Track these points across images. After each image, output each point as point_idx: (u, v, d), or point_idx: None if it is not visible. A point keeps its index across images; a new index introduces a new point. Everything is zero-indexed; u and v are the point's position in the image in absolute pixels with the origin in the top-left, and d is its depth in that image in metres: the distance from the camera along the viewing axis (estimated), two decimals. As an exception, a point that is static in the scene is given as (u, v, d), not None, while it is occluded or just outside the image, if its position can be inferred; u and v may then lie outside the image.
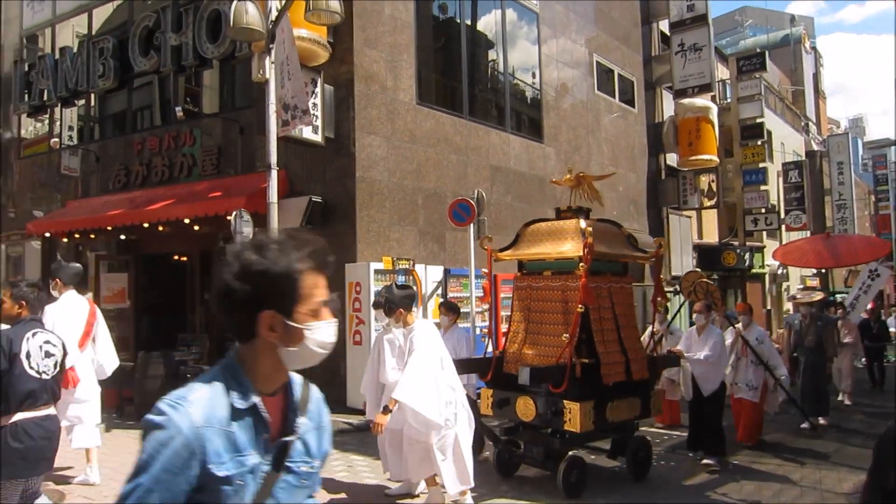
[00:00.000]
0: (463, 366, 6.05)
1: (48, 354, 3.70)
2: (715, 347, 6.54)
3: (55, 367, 3.74)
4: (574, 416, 5.46)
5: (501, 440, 6.10)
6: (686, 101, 16.12)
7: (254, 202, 8.94)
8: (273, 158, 8.25)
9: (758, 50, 25.13)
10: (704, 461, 6.60)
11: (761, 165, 19.20)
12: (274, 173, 8.26)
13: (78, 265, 6.57)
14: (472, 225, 9.18)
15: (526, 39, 13.21)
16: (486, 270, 6.49)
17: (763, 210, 18.83)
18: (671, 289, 15.42)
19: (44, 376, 3.64)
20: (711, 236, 20.54)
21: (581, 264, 5.51)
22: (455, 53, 11.68)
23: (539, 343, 5.92)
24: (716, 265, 18.71)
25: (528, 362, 5.76)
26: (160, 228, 10.43)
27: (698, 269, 8.62)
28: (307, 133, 9.02)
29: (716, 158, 16.35)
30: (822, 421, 8.59)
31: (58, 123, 13.66)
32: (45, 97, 12.59)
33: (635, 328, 6.21)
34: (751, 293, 19.94)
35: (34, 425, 3.56)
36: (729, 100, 20.91)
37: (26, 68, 13.03)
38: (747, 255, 18.80)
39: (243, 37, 8.41)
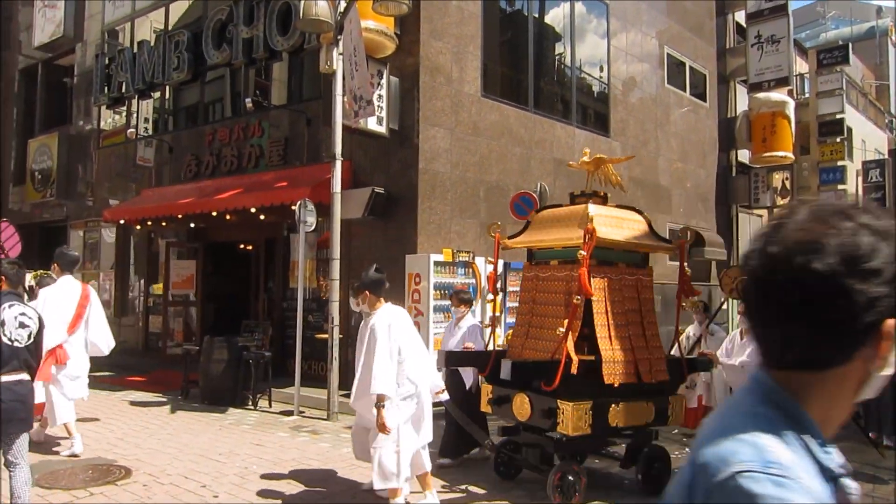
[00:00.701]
0: (459, 359, 5.91)
1: (22, 325, 4.05)
2: (754, 354, 5.97)
3: (29, 338, 4.08)
4: (567, 417, 5.02)
5: (489, 441, 5.77)
6: (761, 95, 15.47)
7: (318, 192, 9.06)
8: (338, 149, 8.35)
9: (840, 42, 23.93)
10: None
11: (840, 164, 18.28)
12: (338, 164, 8.36)
13: (76, 254, 7.24)
14: (534, 219, 9.05)
15: (595, 33, 12.93)
16: (491, 259, 6.10)
17: (841, 211, 17.89)
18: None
19: (16, 344, 3.99)
20: (784, 237, 19.68)
21: (580, 251, 5.10)
22: (521, 46, 11.53)
23: (542, 337, 5.54)
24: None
25: (528, 357, 5.47)
26: (227, 217, 10.70)
27: (739, 266, 7.86)
28: (372, 124, 9.08)
29: (791, 155, 15.64)
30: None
31: (135, 115, 14.20)
32: (124, 89, 13.09)
33: (653, 325, 5.66)
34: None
35: (4, 388, 3.89)
36: (807, 95, 19.98)
37: (107, 62, 13.58)
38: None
39: (312, 28, 8.54)
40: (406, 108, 9.54)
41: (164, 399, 8.88)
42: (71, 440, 6.36)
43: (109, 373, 11.49)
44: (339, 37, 8.25)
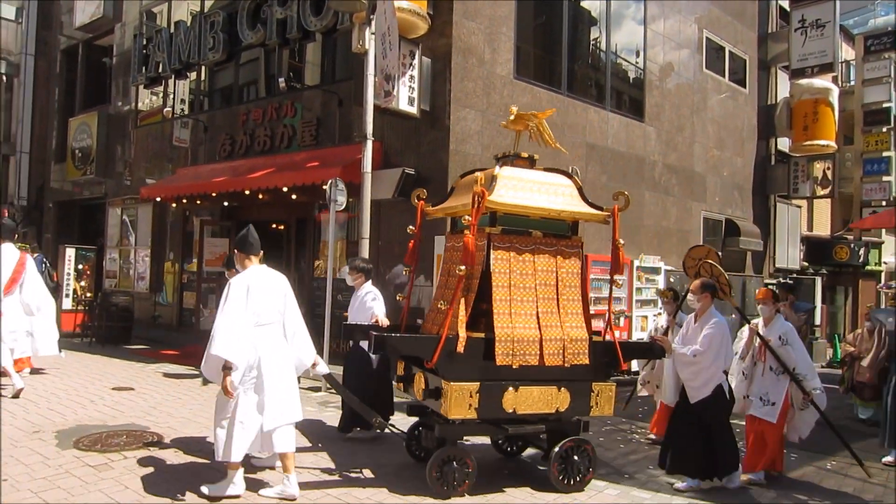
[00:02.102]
0: (360, 332, 5.60)
1: None
2: (707, 341, 5.08)
3: None
4: (448, 399, 4.59)
5: (378, 420, 5.26)
6: (804, 81, 15.04)
7: (349, 172, 9.09)
8: (369, 129, 8.36)
9: (889, 29, 23.10)
10: (677, 486, 5.22)
11: (885, 154, 17.60)
12: (369, 143, 8.37)
13: (12, 223, 8.01)
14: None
15: (633, 18, 12.70)
16: (412, 228, 5.57)
17: (884, 203, 17.31)
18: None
19: None
20: (823, 228, 19.22)
21: (465, 217, 4.67)
22: (556, 28, 11.37)
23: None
24: (826, 259, 17.51)
25: (431, 332, 5.01)
26: (260, 196, 10.82)
27: (705, 245, 7.09)
28: (403, 105, 9.07)
29: (833, 144, 15.21)
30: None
31: (171, 96, 14.42)
32: (160, 69, 13.30)
33: (575, 302, 5.03)
34: (863, 292, 18.52)
35: None
36: (853, 82, 19.36)
37: (144, 42, 13.79)
38: (862, 251, 17.46)
39: (345, 7, 8.55)
40: (437, 89, 9.50)
41: (196, 372, 9.02)
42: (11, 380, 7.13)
43: (144, 346, 11.79)
44: (371, 16, 8.23)
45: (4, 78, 19.47)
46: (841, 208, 18.87)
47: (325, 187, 8.97)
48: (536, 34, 11.47)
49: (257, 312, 4.54)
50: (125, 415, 6.62)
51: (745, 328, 5.86)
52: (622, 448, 6.58)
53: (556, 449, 4.94)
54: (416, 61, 9.22)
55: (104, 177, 15.92)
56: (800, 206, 17.39)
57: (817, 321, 16.21)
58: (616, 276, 5.30)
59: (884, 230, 19.52)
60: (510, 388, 4.75)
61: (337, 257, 10.15)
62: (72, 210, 18.22)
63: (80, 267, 13.72)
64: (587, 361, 4.94)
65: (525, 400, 4.78)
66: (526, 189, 4.99)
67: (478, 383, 4.66)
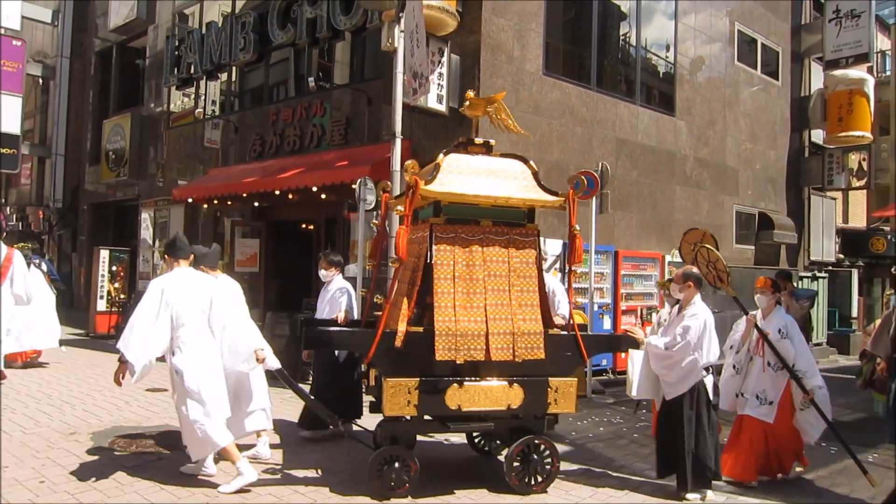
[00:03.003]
0: (322, 337, 5.35)
1: None
2: (684, 333, 4.73)
3: None
4: (384, 395, 4.46)
5: (335, 421, 5.11)
6: (838, 72, 14.71)
7: (378, 171, 9.12)
8: (398, 127, 8.37)
9: (926, 17, 22.49)
10: (686, 497, 4.76)
11: (923, 145, 17.31)
12: (398, 141, 8.38)
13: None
14: (594, 198, 8.91)
15: (663, 13, 12.55)
16: (375, 222, 5.41)
17: (921, 193, 16.96)
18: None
19: None
20: (859, 220, 18.80)
21: (399, 208, 4.51)
22: (585, 24, 11.28)
23: (396, 304, 4.84)
24: (862, 251, 17.16)
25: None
26: (290, 196, 10.91)
27: (700, 228, 6.37)
28: (432, 102, 9.08)
29: (869, 135, 14.84)
30: None
31: (202, 98, 14.61)
32: (192, 70, 13.47)
33: (528, 293, 4.77)
34: (902, 285, 18.11)
35: None
36: (888, 72, 18.91)
37: (176, 43, 13.98)
38: (899, 242, 17.09)
39: (375, 6, 8.58)
40: (466, 87, 9.44)
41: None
42: None
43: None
44: (401, 14, 8.25)
45: (41, 80, 19.92)
46: (877, 199, 18.44)
47: (354, 186, 9.03)
48: (566, 30, 11.39)
49: (175, 313, 4.64)
50: (159, 416, 6.73)
51: (742, 319, 5.48)
52: (622, 450, 6.40)
53: (511, 448, 4.70)
54: (444, 59, 9.22)
55: (137, 178, 16.20)
56: (834, 199, 17.05)
57: (854, 313, 15.88)
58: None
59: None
60: (454, 385, 4.56)
61: (366, 256, 10.20)
62: (106, 212, 18.57)
63: (114, 268, 13.92)
64: (542, 356, 4.68)
65: (471, 396, 4.58)
66: (474, 176, 4.78)
67: (417, 379, 4.50)
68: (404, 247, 4.56)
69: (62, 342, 9.67)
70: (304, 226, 13.13)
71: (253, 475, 4.63)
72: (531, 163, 5.08)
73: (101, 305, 13.37)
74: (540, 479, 4.76)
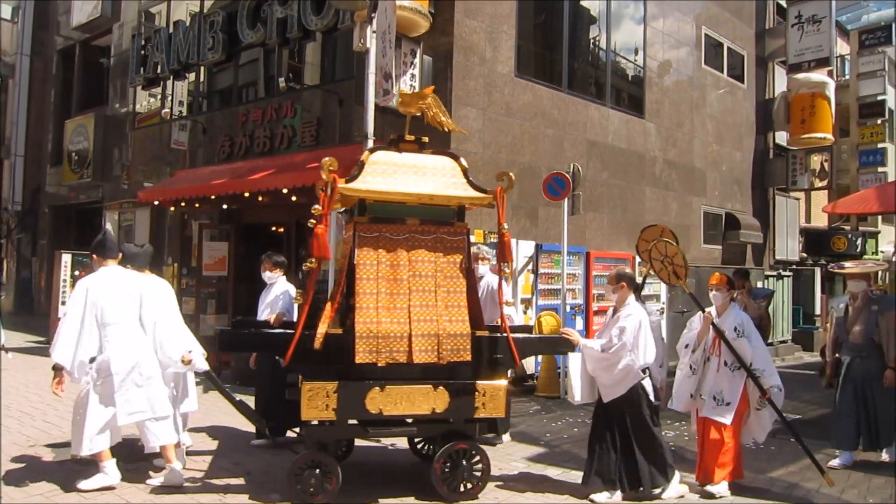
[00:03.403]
0: (240, 339, 5.41)
1: None
2: (620, 335, 4.64)
3: None
4: (302, 398, 4.37)
5: (262, 425, 5.19)
6: (801, 75, 15.06)
7: (349, 172, 9.05)
8: (370, 128, 8.30)
9: (883, 24, 23.18)
10: (593, 498, 4.72)
11: (880, 146, 17.89)
12: (370, 142, 8.32)
13: None
14: (566, 200, 8.97)
15: (631, 17, 12.70)
16: (314, 221, 5.13)
17: (878, 194, 17.46)
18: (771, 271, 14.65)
19: None
20: (821, 220, 19.28)
21: (314, 206, 4.48)
22: (556, 26, 11.36)
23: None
24: (824, 250, 17.59)
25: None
26: (260, 198, 10.75)
27: (659, 224, 6.24)
28: (404, 104, 9.02)
29: (830, 137, 15.23)
30: (837, 461, 5.83)
31: (169, 98, 14.34)
32: (159, 70, 13.22)
33: (456, 294, 4.67)
34: (863, 284, 18.59)
35: None
36: (847, 76, 19.45)
37: (143, 42, 13.71)
38: (859, 241, 17.53)
39: (347, 6, 8.51)
40: (438, 88, 9.37)
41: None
42: None
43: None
44: (373, 14, 8.20)
45: (0, 79, 19.37)
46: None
47: (326, 188, 8.93)
48: (537, 32, 11.45)
49: (100, 312, 4.67)
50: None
51: (697, 317, 5.20)
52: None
53: (437, 454, 4.59)
54: (416, 60, 9.18)
55: (101, 180, 15.83)
56: (798, 199, 17.45)
57: (817, 311, 16.25)
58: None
59: (880, 218, 19.63)
60: (375, 388, 4.45)
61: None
62: (68, 215, 18.12)
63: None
64: (468, 358, 4.54)
65: (393, 400, 4.46)
66: (401, 173, 4.69)
67: (336, 383, 4.40)
68: (324, 246, 4.48)
69: (12, 349, 9.33)
70: (274, 228, 12.97)
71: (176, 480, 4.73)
72: (461, 160, 5.01)
73: (62, 311, 13.01)
74: (469, 485, 4.64)
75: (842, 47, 19.82)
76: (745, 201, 15.36)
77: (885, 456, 5.89)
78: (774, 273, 14.70)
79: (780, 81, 16.35)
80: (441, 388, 4.54)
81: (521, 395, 8.52)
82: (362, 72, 8.51)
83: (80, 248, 14.81)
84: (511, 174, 4.92)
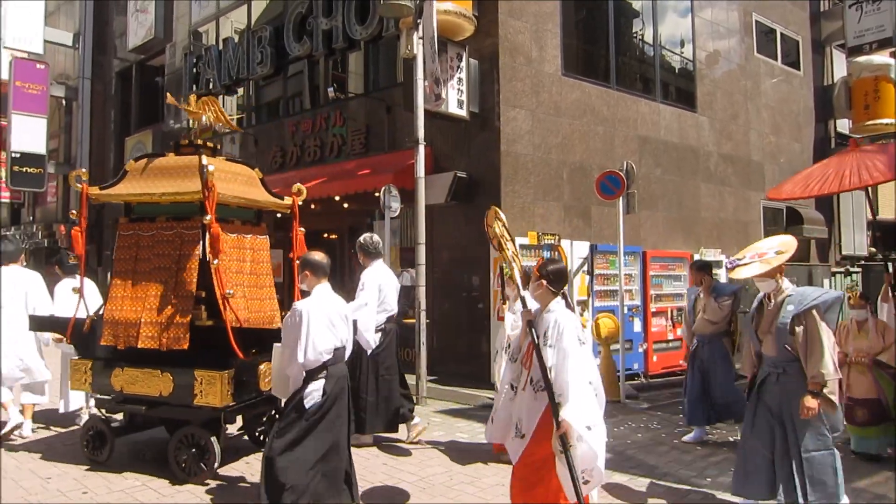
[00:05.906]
0: (36, 322, 5.97)
1: None
2: (285, 332, 4.18)
3: None
4: (70, 371, 5.45)
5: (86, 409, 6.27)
6: (862, 59, 14.41)
7: (401, 178, 9.11)
8: (421, 133, 8.35)
9: (949, -1, 22.05)
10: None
11: (953, 130, 16.94)
12: (421, 148, 8.36)
13: (11, 245, 7.38)
14: (621, 198, 8.79)
15: (674, 10, 12.40)
16: (74, 212, 5.72)
17: (952, 181, 16.55)
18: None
19: None
20: (890, 212, 18.41)
21: (73, 211, 5.39)
22: (600, 22, 11.18)
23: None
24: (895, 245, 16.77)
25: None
26: (312, 206, 10.91)
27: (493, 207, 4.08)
28: (453, 108, 9.04)
29: (897, 122, 14.56)
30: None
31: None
32: (211, 86, 13.57)
33: (183, 285, 5.05)
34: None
35: None
36: (913, 57, 18.56)
37: (194, 60, 14.11)
38: (934, 233, 16.69)
39: (392, 13, 8.56)
40: (486, 91, 9.44)
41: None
42: None
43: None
44: (418, 21, 8.23)
45: (64, 101, 20.23)
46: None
47: (377, 194, 9.01)
48: (581, 29, 11.30)
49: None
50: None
51: (517, 311, 3.94)
52: (663, 456, 6.32)
53: (172, 437, 5.12)
54: (463, 63, 9.18)
55: (160, 194, 16.32)
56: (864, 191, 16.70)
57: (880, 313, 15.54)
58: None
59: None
60: (118, 368, 5.18)
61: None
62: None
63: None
64: (183, 346, 4.95)
65: (130, 380, 5.14)
66: (226, 179, 5.27)
67: (91, 360, 5.31)
68: (81, 244, 5.27)
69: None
70: (326, 235, 13.15)
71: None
72: (257, 169, 5.91)
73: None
74: (196, 470, 4.95)
75: (905, 27, 18.90)
76: (806, 193, 14.79)
77: None
78: (842, 269, 14.11)
79: (839, 66, 15.72)
80: (167, 373, 5.06)
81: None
82: (410, 78, 8.56)
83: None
84: (302, 186, 6.20)
